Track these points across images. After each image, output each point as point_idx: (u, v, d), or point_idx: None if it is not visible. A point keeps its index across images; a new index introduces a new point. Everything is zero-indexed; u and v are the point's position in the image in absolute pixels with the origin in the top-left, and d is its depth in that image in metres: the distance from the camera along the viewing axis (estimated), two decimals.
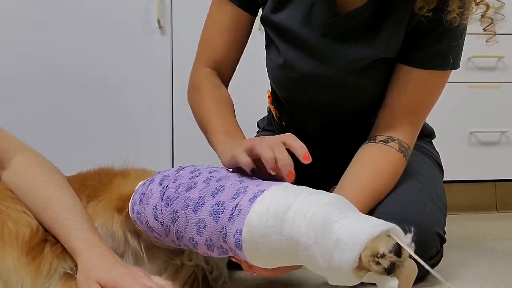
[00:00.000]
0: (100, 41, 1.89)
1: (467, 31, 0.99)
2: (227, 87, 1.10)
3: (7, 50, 1.86)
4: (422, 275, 0.96)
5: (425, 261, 0.92)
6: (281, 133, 1.23)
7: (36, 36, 1.87)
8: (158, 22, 1.89)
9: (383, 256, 0.57)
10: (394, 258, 0.58)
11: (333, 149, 1.15)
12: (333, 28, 0.98)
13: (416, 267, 0.60)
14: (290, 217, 0.65)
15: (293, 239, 0.64)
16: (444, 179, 1.16)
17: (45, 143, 1.57)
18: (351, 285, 0.64)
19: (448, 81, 1.02)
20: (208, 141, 0.99)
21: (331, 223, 0.62)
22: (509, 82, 2.08)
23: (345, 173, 0.96)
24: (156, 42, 1.92)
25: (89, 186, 0.92)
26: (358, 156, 0.98)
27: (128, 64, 1.91)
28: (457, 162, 2.00)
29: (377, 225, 0.61)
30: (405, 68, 0.98)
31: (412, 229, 0.61)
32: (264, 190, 0.71)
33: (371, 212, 0.95)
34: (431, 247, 0.94)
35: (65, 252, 0.80)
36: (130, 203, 0.85)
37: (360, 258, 0.59)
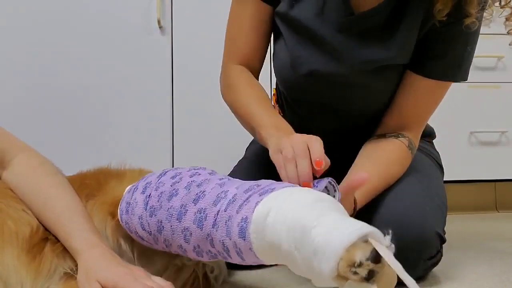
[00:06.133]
0: (100, 41, 1.89)
1: None
2: (257, 78, 1.10)
3: (7, 49, 1.86)
4: (421, 275, 0.97)
5: (425, 261, 0.94)
6: None
7: (36, 36, 1.87)
8: (158, 22, 1.89)
9: (360, 265, 0.56)
10: (372, 265, 0.56)
11: (337, 149, 1.15)
12: (347, 27, 0.97)
13: (395, 273, 0.58)
14: (270, 222, 0.65)
15: (274, 245, 0.64)
16: (444, 179, 1.16)
17: (45, 142, 1.57)
18: (336, 286, 0.63)
19: None
20: (257, 135, 0.96)
21: (309, 230, 0.61)
22: (509, 82, 2.08)
23: (354, 162, 0.98)
24: (156, 42, 1.92)
25: (88, 185, 0.92)
26: (368, 146, 1.00)
27: (128, 64, 1.91)
28: (457, 162, 2.00)
29: (353, 231, 0.59)
30: (416, 76, 0.99)
31: (390, 231, 0.59)
32: (247, 197, 0.70)
33: (372, 213, 0.95)
34: (431, 247, 0.94)
35: (65, 252, 0.80)
36: (118, 212, 0.85)
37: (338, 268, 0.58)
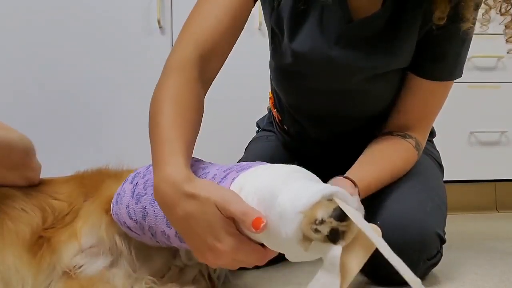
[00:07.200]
0: (100, 41, 1.89)
1: None
2: (207, 88, 0.88)
3: (7, 51, 1.86)
4: (421, 275, 0.96)
5: (425, 261, 0.94)
6: (282, 136, 1.24)
7: (36, 36, 1.87)
8: (158, 22, 1.89)
9: (322, 222, 0.53)
10: (335, 223, 0.53)
11: (336, 151, 1.15)
12: (346, 35, 0.96)
13: (373, 234, 0.54)
14: (243, 195, 0.64)
15: None
16: (444, 179, 1.16)
17: (45, 142, 1.57)
18: (310, 260, 0.60)
19: None
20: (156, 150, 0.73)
21: (276, 197, 0.59)
22: (509, 82, 2.08)
23: (361, 156, 0.96)
24: (156, 42, 1.92)
25: (86, 185, 0.93)
26: (373, 143, 0.99)
27: (128, 64, 1.91)
28: (457, 162, 2.00)
29: (317, 191, 0.56)
30: (417, 78, 1.00)
31: (357, 190, 0.56)
32: (225, 175, 0.71)
33: (372, 213, 0.95)
34: (431, 247, 0.94)
35: (63, 250, 0.80)
36: (111, 206, 0.85)
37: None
